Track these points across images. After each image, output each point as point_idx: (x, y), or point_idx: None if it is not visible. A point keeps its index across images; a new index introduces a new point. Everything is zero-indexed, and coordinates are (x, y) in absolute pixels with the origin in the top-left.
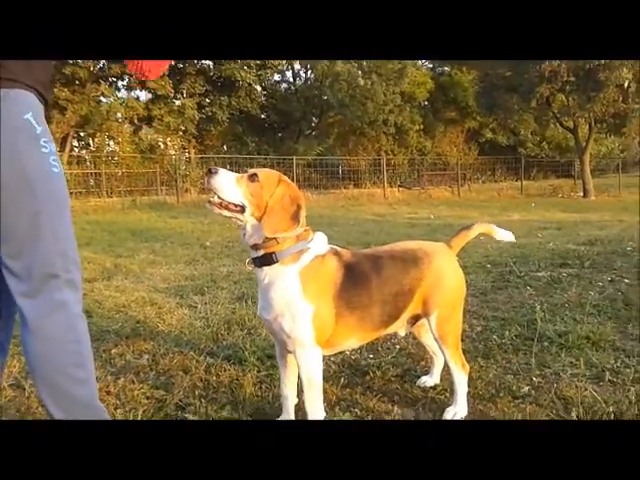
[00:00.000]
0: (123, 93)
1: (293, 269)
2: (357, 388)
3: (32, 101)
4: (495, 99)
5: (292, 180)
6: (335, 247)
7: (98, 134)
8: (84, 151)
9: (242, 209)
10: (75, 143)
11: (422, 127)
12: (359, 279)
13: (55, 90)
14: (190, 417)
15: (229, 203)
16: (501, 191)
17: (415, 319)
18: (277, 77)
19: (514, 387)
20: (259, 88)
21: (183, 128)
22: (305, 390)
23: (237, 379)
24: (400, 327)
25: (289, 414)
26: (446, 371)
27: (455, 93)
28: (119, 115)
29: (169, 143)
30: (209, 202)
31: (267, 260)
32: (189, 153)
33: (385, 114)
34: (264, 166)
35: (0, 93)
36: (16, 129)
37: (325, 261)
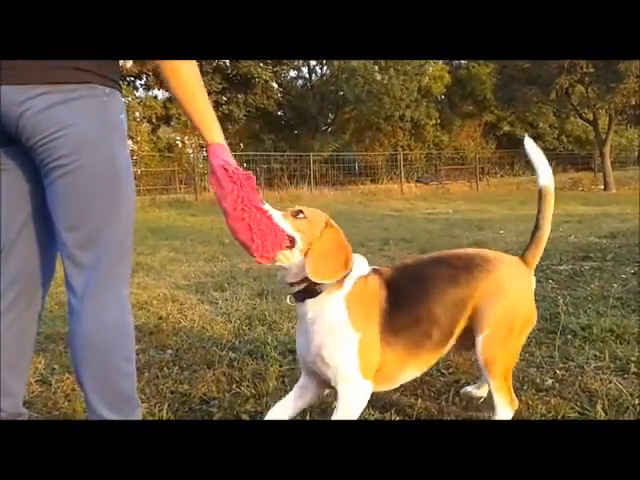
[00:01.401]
0: (141, 92)
1: (338, 296)
2: None
3: (122, 101)
4: (513, 92)
5: (309, 177)
6: (376, 267)
7: None
8: None
9: (292, 243)
10: None
11: (439, 121)
12: (401, 297)
13: None
14: (214, 411)
15: None
16: (520, 185)
17: (468, 338)
18: (293, 74)
19: (538, 380)
20: (275, 85)
21: None
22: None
23: (260, 373)
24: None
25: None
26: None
27: (472, 86)
28: (137, 114)
29: (187, 142)
30: None
31: (311, 293)
32: (207, 151)
33: (402, 109)
34: (282, 163)
35: (107, 91)
36: (115, 126)
37: (368, 282)
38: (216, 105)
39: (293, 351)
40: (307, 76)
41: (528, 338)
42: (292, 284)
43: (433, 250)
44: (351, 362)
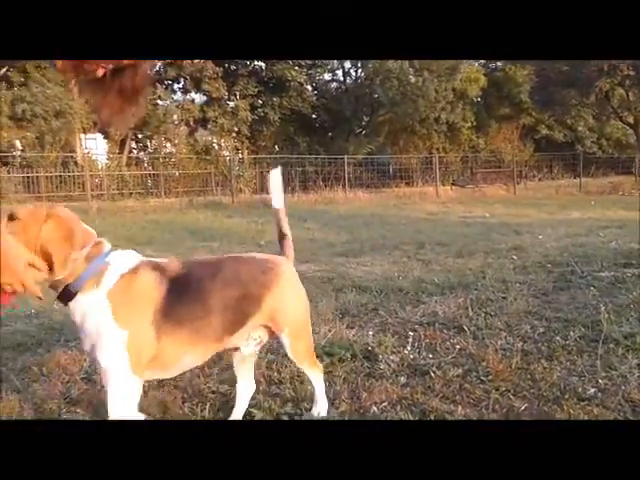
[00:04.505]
0: (179, 96)
1: (99, 294)
2: (417, 387)
3: None
4: (551, 94)
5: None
6: (153, 260)
7: (155, 136)
8: (142, 153)
9: None
10: (133, 145)
11: (475, 124)
12: (189, 289)
13: None
14: (255, 412)
15: None
16: (559, 189)
17: (262, 336)
18: (327, 76)
19: (579, 389)
20: (310, 88)
21: (236, 129)
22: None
23: (298, 376)
24: (246, 341)
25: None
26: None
27: (509, 89)
28: (175, 117)
29: (223, 144)
30: None
31: (67, 295)
32: (242, 154)
33: (437, 111)
34: (316, 165)
35: None
36: None
37: (139, 277)
38: (251, 108)
39: (330, 354)
40: (342, 79)
41: (569, 346)
42: (50, 287)
43: (470, 254)
44: (121, 360)
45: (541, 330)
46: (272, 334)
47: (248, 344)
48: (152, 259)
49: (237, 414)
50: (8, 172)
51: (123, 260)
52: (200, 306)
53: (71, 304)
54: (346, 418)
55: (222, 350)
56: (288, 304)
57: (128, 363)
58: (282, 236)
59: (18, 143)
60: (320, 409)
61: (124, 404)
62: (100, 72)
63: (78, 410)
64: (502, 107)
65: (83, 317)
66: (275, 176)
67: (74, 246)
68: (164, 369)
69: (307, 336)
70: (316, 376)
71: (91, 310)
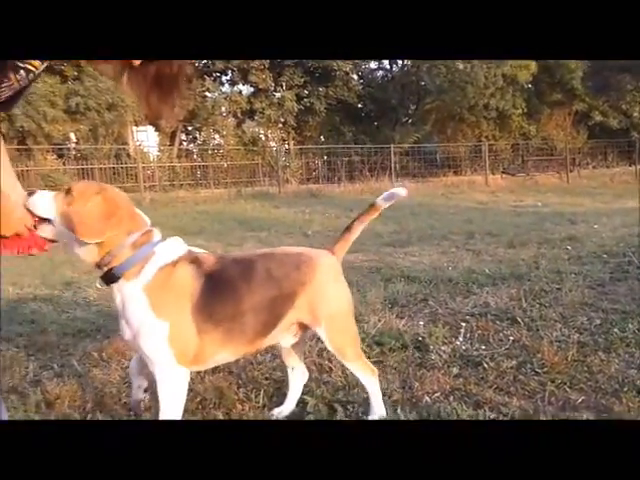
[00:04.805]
0: (227, 88)
1: (137, 284)
2: (470, 379)
3: None
4: (606, 79)
5: (389, 169)
6: (194, 251)
7: (204, 128)
8: (192, 145)
9: (50, 223)
10: (183, 137)
11: (526, 110)
12: (223, 288)
13: None
14: (308, 398)
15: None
16: (614, 177)
17: (301, 329)
18: (374, 65)
19: (638, 382)
20: (356, 77)
21: (283, 120)
22: (161, 416)
23: None
24: (282, 337)
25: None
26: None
27: (561, 74)
28: (223, 109)
29: (270, 135)
30: (34, 227)
31: (110, 277)
32: (289, 144)
33: (486, 98)
34: (362, 155)
35: None
36: None
37: (177, 270)
38: (297, 99)
39: (380, 343)
40: (388, 67)
41: (627, 338)
42: (96, 267)
43: (522, 244)
44: (163, 350)
45: (598, 322)
46: (308, 327)
47: (285, 337)
48: (196, 250)
49: (291, 401)
50: (64, 164)
51: (168, 251)
52: (232, 306)
53: (114, 287)
54: (399, 408)
55: (257, 350)
56: (324, 298)
57: (172, 355)
58: (347, 229)
59: (72, 136)
60: (377, 415)
61: (174, 396)
62: (136, 61)
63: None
64: (554, 93)
65: (123, 304)
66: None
67: (116, 222)
68: (198, 363)
69: (348, 331)
70: (368, 379)
71: (131, 299)
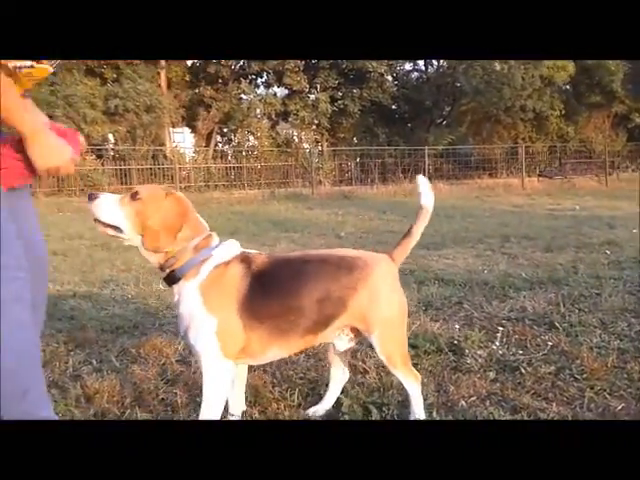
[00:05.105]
0: (262, 90)
1: (193, 284)
2: (507, 384)
3: None
4: None
5: (423, 171)
6: (247, 252)
7: (239, 130)
8: (226, 146)
9: (120, 229)
10: (219, 139)
11: (564, 112)
12: (269, 287)
13: (200, 88)
14: (343, 398)
15: (109, 224)
16: None
17: (356, 333)
18: (408, 66)
19: None
20: (390, 78)
21: (317, 122)
22: (203, 405)
23: (383, 366)
24: (336, 338)
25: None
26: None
27: (600, 76)
28: (258, 111)
29: (303, 137)
30: (95, 220)
31: (172, 279)
32: (322, 146)
33: (523, 99)
34: (395, 157)
35: None
36: None
37: (229, 270)
38: (331, 100)
39: (415, 346)
40: (423, 68)
41: None
42: (159, 269)
43: (560, 248)
44: (211, 344)
45: (638, 328)
46: (364, 332)
47: (341, 339)
48: (248, 251)
49: (328, 400)
50: (102, 164)
51: (223, 253)
52: (278, 305)
53: (175, 287)
54: (434, 411)
55: (312, 346)
56: (377, 304)
57: (219, 348)
58: (406, 234)
59: (111, 137)
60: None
61: (217, 386)
62: None
63: (175, 390)
64: (593, 95)
65: (180, 302)
66: (423, 179)
67: (183, 233)
68: (252, 358)
69: (400, 340)
70: (411, 385)
71: (186, 297)
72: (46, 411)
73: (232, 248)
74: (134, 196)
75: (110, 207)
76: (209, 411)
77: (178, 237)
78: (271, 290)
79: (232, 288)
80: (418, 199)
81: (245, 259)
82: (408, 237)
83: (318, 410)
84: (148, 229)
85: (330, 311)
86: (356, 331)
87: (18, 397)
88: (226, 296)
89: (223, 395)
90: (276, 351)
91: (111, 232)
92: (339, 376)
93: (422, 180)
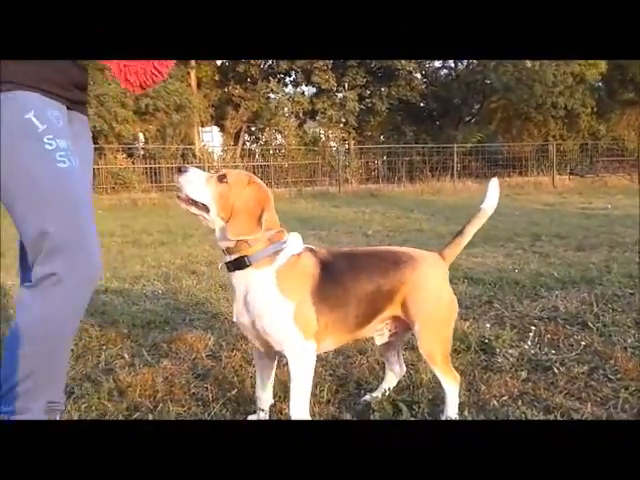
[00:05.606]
0: (290, 89)
1: (268, 270)
2: (540, 383)
3: (34, 100)
4: None
5: (451, 169)
6: (310, 246)
7: (267, 129)
8: (254, 145)
9: (207, 209)
10: (247, 137)
11: (595, 110)
12: (335, 277)
13: (229, 88)
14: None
15: (195, 202)
16: None
17: (397, 327)
18: (437, 64)
19: None
20: (419, 76)
21: (344, 120)
22: (293, 390)
23: (412, 364)
24: (378, 331)
25: (264, 414)
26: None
27: (633, 72)
28: (286, 110)
29: (330, 135)
30: (178, 197)
31: (239, 264)
32: (349, 144)
33: (554, 96)
34: (423, 155)
35: (0, 97)
36: (17, 130)
37: (301, 259)
38: (359, 99)
39: None
40: (452, 65)
41: None
42: (224, 252)
43: (592, 248)
44: (290, 327)
45: None
46: (406, 327)
47: (382, 334)
48: (310, 246)
49: (380, 391)
50: (133, 163)
51: (294, 245)
52: (342, 295)
53: (238, 273)
54: (466, 411)
55: (354, 341)
56: (421, 299)
57: (299, 332)
58: (458, 233)
59: (141, 136)
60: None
61: (305, 366)
62: None
63: (206, 385)
64: (625, 91)
65: (248, 289)
66: (495, 182)
67: (268, 209)
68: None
69: (444, 338)
70: (449, 385)
71: (259, 283)
72: None
73: (300, 241)
74: (221, 178)
75: (201, 184)
76: (301, 392)
77: (259, 229)
78: (337, 280)
79: (307, 275)
80: (482, 199)
81: (312, 251)
82: (460, 236)
83: (368, 398)
84: (234, 214)
85: (379, 303)
86: (398, 325)
87: None
88: (301, 283)
89: (311, 375)
90: (329, 342)
91: (195, 211)
92: (395, 370)
93: (494, 183)
